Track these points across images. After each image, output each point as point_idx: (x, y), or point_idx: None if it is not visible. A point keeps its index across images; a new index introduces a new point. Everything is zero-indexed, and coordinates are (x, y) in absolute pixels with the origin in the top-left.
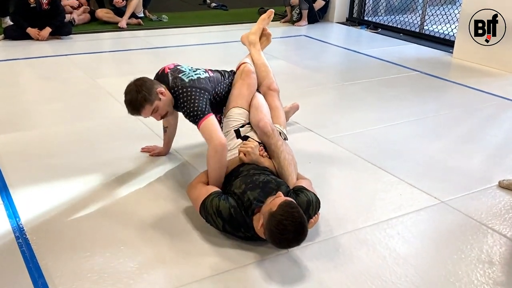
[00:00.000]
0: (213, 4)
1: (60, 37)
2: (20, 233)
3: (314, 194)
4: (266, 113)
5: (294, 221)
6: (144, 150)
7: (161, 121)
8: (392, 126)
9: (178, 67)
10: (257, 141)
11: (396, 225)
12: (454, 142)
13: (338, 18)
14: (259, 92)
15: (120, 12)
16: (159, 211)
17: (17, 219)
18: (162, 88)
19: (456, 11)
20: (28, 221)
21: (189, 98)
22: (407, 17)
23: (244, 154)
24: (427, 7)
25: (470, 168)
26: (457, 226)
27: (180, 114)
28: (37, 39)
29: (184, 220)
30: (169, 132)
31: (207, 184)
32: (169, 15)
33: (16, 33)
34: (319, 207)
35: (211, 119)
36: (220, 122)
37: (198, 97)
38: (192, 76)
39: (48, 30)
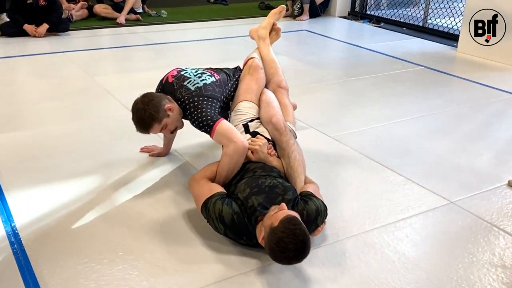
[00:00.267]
0: None
1: (57, 34)
2: (15, 239)
3: (322, 202)
4: (278, 109)
5: (296, 239)
6: (143, 150)
7: None
8: (397, 123)
9: (182, 72)
10: (266, 138)
11: (404, 227)
12: (462, 139)
13: (340, 12)
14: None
15: (118, 7)
16: (159, 215)
17: (12, 224)
18: (169, 104)
19: (460, 5)
20: (23, 226)
21: (197, 108)
22: (410, 10)
23: (252, 152)
24: (431, 0)
25: (478, 167)
26: (467, 228)
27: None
28: (34, 36)
29: (185, 224)
30: (169, 135)
31: (212, 179)
32: (168, 10)
33: (13, 30)
34: (327, 215)
35: (224, 122)
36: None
37: (206, 106)
38: (198, 83)
39: (45, 26)
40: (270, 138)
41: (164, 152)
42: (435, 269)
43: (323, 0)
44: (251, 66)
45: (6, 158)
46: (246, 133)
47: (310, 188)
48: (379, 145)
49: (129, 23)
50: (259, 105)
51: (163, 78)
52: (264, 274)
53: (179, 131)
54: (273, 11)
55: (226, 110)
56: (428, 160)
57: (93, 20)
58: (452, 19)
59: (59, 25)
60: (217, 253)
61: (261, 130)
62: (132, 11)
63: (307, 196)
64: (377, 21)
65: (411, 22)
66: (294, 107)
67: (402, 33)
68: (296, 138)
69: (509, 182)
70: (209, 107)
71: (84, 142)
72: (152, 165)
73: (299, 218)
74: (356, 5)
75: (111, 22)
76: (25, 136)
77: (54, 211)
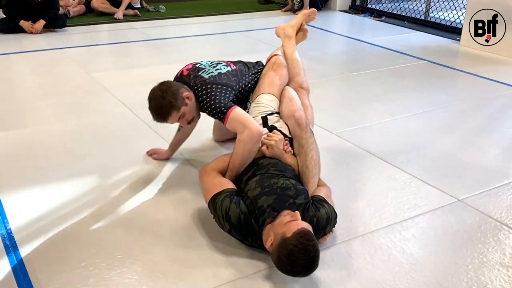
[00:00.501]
0: None
1: (54, 30)
2: (10, 242)
3: (333, 209)
4: (300, 106)
5: (307, 256)
6: (149, 152)
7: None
8: (401, 119)
9: (197, 65)
10: (283, 134)
11: (411, 226)
12: (467, 135)
13: (341, 6)
14: None
15: (116, 2)
16: (159, 216)
17: (7, 226)
18: (187, 93)
19: None
20: (18, 229)
21: (209, 94)
22: (411, 4)
23: (267, 147)
24: None
25: (485, 163)
26: (477, 227)
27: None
28: (31, 32)
29: (186, 226)
30: (182, 133)
31: (223, 172)
32: (167, 5)
33: (9, 26)
34: (336, 223)
35: (238, 109)
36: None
37: (220, 93)
38: (212, 72)
39: (42, 22)
40: (287, 134)
41: (166, 155)
42: (444, 271)
43: None
44: (275, 63)
45: (1, 157)
46: (264, 126)
47: (322, 192)
48: (383, 141)
49: (127, 18)
50: (280, 100)
51: (178, 72)
52: (269, 277)
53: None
54: (304, 11)
55: (244, 102)
56: (433, 156)
57: (90, 16)
58: (454, 12)
59: (56, 21)
60: (220, 255)
61: (280, 125)
62: (130, 6)
63: (319, 202)
64: (378, 15)
65: (413, 15)
66: None
67: (404, 26)
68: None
69: None
70: (222, 94)
71: (81, 141)
72: (151, 164)
73: (312, 232)
74: None
75: (109, 18)
76: (21, 135)
77: (50, 213)
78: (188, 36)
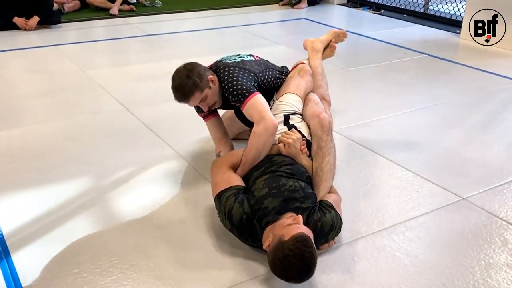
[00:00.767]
0: None
1: (48, 26)
2: (1, 247)
3: (340, 218)
4: (324, 110)
5: (302, 262)
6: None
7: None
8: (402, 115)
9: (219, 59)
10: (302, 134)
11: (415, 227)
12: (470, 130)
13: (339, 0)
14: None
15: None
16: (155, 219)
17: None
18: (212, 76)
19: None
20: (10, 233)
21: (232, 75)
22: None
23: (284, 145)
24: None
25: (489, 160)
26: (482, 227)
27: None
28: (25, 29)
29: (183, 228)
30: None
31: (235, 167)
32: (163, 0)
33: (2, 23)
34: (340, 232)
35: (260, 97)
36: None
37: (242, 76)
38: (235, 59)
39: (36, 19)
40: (306, 136)
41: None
42: (450, 273)
43: None
44: (302, 69)
45: None
46: (284, 124)
47: (331, 199)
48: (385, 138)
49: (122, 13)
50: (305, 103)
51: None
52: (270, 281)
53: (179, 130)
54: (335, 30)
55: (266, 100)
56: (436, 153)
57: (85, 12)
58: (454, 4)
59: (50, 17)
60: (219, 260)
61: (300, 125)
62: (125, 1)
63: (326, 207)
64: (377, 8)
65: (412, 8)
66: None
67: (403, 20)
68: None
69: None
70: (245, 78)
71: (76, 141)
72: (148, 165)
73: (312, 239)
74: None
75: (104, 13)
76: (14, 135)
77: (44, 216)
78: (185, 32)
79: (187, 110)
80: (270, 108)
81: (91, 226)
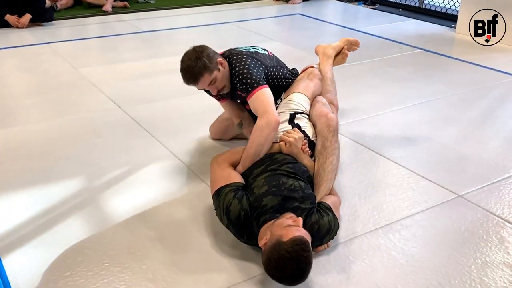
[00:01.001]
0: None
1: (41, 24)
2: None
3: (337, 221)
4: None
5: (297, 266)
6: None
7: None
8: (398, 111)
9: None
10: (305, 134)
11: (411, 225)
12: (466, 126)
13: None
14: None
15: None
16: (148, 220)
17: None
18: (222, 59)
19: None
20: (1, 236)
21: (244, 63)
22: None
23: (285, 144)
24: None
25: (486, 156)
26: (478, 224)
27: None
28: (17, 27)
29: (176, 230)
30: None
31: (235, 164)
32: None
33: None
34: (335, 235)
35: (267, 91)
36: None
37: (254, 66)
38: (249, 49)
39: (28, 16)
40: (310, 136)
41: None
42: (446, 272)
43: None
44: (311, 73)
45: None
46: (289, 123)
47: (329, 201)
48: (380, 135)
49: (116, 10)
50: (312, 104)
51: None
52: (263, 283)
53: (174, 129)
54: (348, 38)
55: (274, 98)
56: (432, 150)
57: (78, 9)
58: None
59: (42, 14)
60: (213, 260)
61: (304, 125)
62: None
63: (324, 210)
64: (372, 2)
65: (407, 2)
66: None
67: (399, 14)
68: None
69: None
70: (256, 68)
71: (68, 140)
72: (141, 164)
73: (310, 243)
74: None
75: (97, 10)
76: (4, 135)
77: (35, 219)
78: (179, 28)
79: (182, 108)
80: (277, 106)
81: (83, 227)
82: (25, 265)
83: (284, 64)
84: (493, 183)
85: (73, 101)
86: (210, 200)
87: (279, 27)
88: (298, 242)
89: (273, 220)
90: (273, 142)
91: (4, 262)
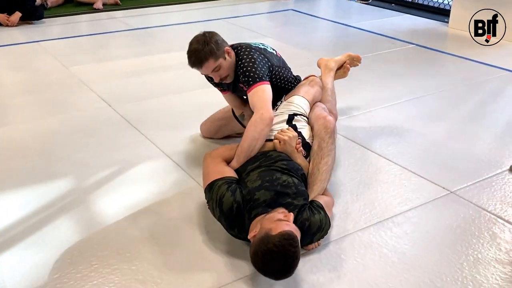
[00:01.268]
0: None
1: (31, 22)
2: None
3: (329, 220)
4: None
5: (284, 260)
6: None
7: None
8: (390, 107)
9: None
10: (302, 137)
11: (403, 222)
12: (459, 122)
13: None
14: None
15: None
16: (138, 221)
17: None
18: (229, 48)
19: None
20: None
21: (250, 57)
22: None
23: (280, 142)
24: None
25: (478, 151)
26: (470, 221)
27: None
28: (7, 25)
29: (166, 230)
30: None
31: (229, 160)
32: None
33: None
34: (326, 234)
35: (268, 87)
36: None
37: (260, 61)
38: (259, 45)
39: (18, 15)
40: (306, 138)
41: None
42: (438, 270)
43: None
44: (312, 80)
45: None
46: (287, 123)
47: (322, 200)
48: (372, 131)
49: (107, 7)
50: (312, 108)
51: None
52: (254, 283)
53: (165, 126)
54: (350, 54)
55: (274, 100)
56: (424, 146)
57: (69, 6)
58: None
59: (33, 12)
60: (203, 261)
61: (301, 126)
62: None
63: (316, 208)
64: None
65: None
66: None
67: (391, 9)
68: None
69: (511, 167)
70: (261, 64)
71: (57, 140)
72: (132, 164)
73: (299, 239)
74: None
75: (88, 8)
76: None
77: (23, 219)
78: (171, 25)
79: (173, 107)
80: (277, 108)
81: (72, 228)
82: (13, 267)
83: (289, 68)
84: (485, 179)
85: (63, 100)
86: (201, 200)
87: (272, 23)
88: (286, 237)
89: (265, 214)
90: (268, 140)
91: None
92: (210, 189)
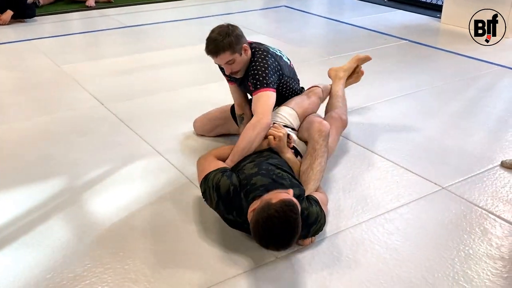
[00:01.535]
0: None
1: (23, 20)
2: None
3: (324, 215)
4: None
5: (285, 226)
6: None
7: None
8: (383, 103)
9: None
10: (290, 132)
11: (394, 218)
12: (451, 117)
13: None
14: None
15: None
16: (131, 220)
17: None
18: (247, 46)
19: None
20: None
21: (265, 61)
22: None
23: (274, 138)
24: None
25: (470, 147)
26: (462, 216)
27: None
28: None
29: (161, 228)
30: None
31: (222, 159)
32: None
33: None
34: (321, 230)
35: (273, 95)
36: None
37: (273, 68)
38: (276, 51)
39: (9, 13)
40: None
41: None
42: (429, 266)
43: None
44: (311, 91)
45: None
46: None
47: (317, 196)
48: (365, 127)
49: (99, 5)
50: (307, 116)
51: None
52: (247, 281)
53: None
54: (358, 56)
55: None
56: (416, 142)
57: (61, 4)
58: None
59: (24, 11)
60: (196, 260)
61: (290, 132)
62: None
63: (313, 201)
64: None
65: None
66: None
67: (384, 5)
68: None
69: (502, 163)
70: (273, 71)
71: (51, 139)
72: (124, 162)
73: (300, 210)
74: None
75: (80, 6)
76: None
77: (16, 219)
78: (163, 22)
79: (165, 105)
80: None
81: (65, 228)
82: (6, 268)
83: (298, 80)
84: (476, 175)
85: (55, 98)
86: (194, 198)
87: (265, 20)
88: (287, 203)
89: (263, 196)
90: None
91: None
92: (206, 180)
